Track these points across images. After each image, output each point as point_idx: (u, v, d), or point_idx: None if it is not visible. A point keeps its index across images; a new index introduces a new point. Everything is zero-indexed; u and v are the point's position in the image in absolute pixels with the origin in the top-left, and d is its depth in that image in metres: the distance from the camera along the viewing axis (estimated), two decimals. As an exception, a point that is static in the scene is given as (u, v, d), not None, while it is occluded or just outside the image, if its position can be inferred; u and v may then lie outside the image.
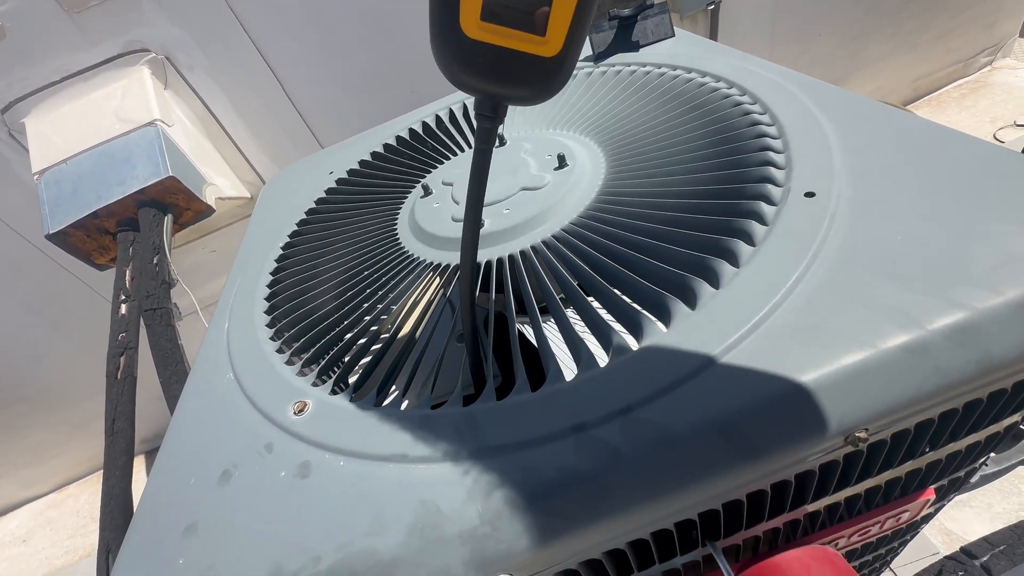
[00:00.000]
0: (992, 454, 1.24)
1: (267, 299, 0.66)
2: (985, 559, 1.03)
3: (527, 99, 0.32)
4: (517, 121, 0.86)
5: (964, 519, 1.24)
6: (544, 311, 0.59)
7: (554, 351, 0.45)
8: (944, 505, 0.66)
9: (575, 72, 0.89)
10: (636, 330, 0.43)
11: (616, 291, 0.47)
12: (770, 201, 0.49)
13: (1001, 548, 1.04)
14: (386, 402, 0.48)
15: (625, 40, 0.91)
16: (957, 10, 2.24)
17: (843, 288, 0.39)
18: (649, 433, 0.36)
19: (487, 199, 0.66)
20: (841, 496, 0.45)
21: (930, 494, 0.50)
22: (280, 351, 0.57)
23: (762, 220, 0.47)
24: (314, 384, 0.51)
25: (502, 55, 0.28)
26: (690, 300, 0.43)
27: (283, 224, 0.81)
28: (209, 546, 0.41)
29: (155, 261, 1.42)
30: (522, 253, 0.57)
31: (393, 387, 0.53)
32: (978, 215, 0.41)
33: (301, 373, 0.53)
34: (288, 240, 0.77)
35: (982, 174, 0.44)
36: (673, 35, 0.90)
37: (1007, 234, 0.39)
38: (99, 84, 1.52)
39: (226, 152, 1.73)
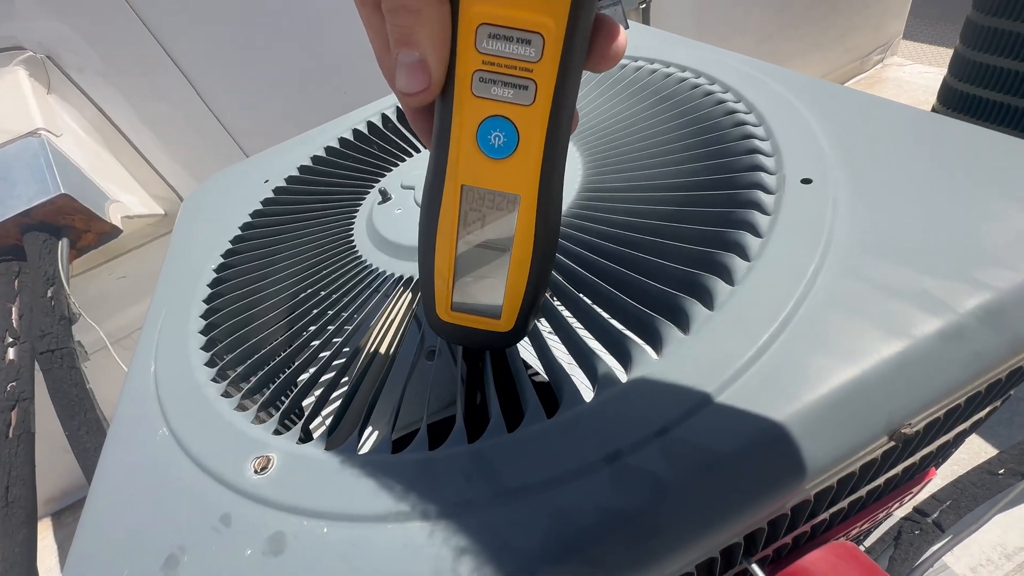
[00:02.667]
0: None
1: (203, 332, 0.55)
2: (935, 516, 1.11)
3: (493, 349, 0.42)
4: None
5: (908, 479, 1.34)
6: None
7: (565, 367, 0.40)
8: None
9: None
10: (654, 339, 0.39)
11: (622, 295, 0.43)
12: (767, 189, 0.47)
13: (947, 503, 1.12)
14: (369, 445, 0.41)
15: (579, 32, 0.88)
16: (853, 11, 2.45)
17: (865, 277, 0.38)
18: (695, 456, 0.32)
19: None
20: (864, 490, 0.44)
21: (933, 474, 0.50)
22: (227, 394, 0.48)
23: (763, 210, 0.45)
24: (276, 432, 0.42)
25: (468, 331, 0.38)
26: (707, 301, 0.40)
27: (214, 242, 0.70)
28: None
29: (49, 294, 1.21)
30: (506, 259, 0.52)
31: (372, 427, 0.46)
32: (976, 193, 0.41)
33: (257, 420, 0.44)
34: (223, 260, 0.66)
35: (969, 153, 0.44)
36: (627, 27, 0.88)
37: (1010, 211, 0.39)
38: (-41, 88, 1.27)
39: (132, 164, 1.52)
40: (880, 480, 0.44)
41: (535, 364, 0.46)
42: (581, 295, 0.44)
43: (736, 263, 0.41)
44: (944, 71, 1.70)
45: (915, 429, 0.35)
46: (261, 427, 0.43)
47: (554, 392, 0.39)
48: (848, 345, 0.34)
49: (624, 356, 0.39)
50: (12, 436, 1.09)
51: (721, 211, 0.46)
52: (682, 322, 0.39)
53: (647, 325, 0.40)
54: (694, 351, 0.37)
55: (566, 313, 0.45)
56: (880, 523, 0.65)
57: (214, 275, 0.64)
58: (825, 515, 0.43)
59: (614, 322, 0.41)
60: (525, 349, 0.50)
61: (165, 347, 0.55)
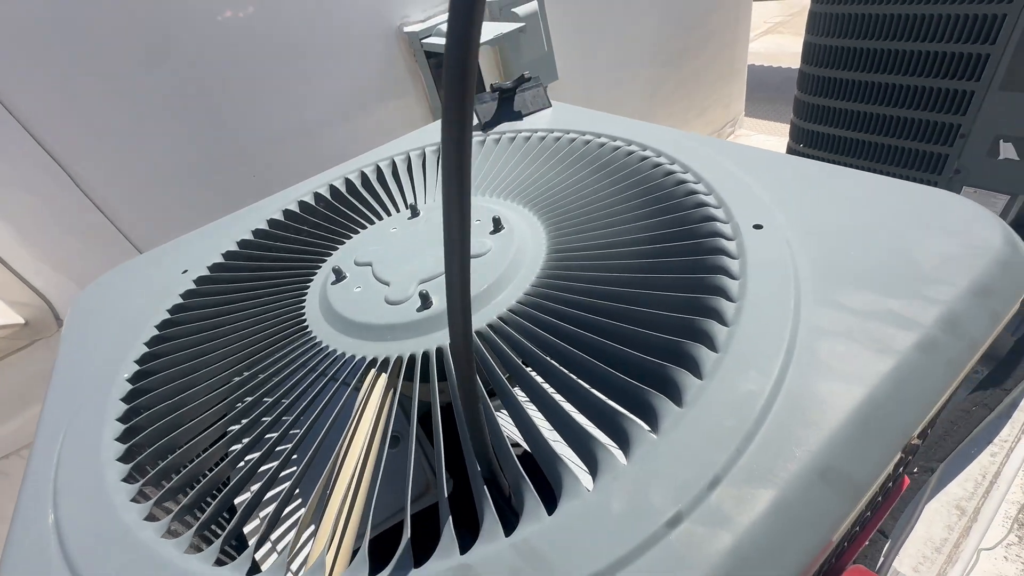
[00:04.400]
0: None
1: (123, 459, 0.44)
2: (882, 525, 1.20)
3: None
4: (419, 191, 0.79)
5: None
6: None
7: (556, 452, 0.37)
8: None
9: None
10: (668, 393, 0.39)
11: (631, 350, 0.43)
12: (726, 236, 0.51)
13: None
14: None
15: (508, 111, 0.94)
16: (704, 94, 2.96)
17: (839, 304, 0.41)
18: (754, 503, 0.31)
19: (424, 274, 0.57)
20: (870, 507, 0.45)
21: (907, 481, 0.54)
22: (151, 518, 0.38)
23: (730, 254, 0.49)
24: (217, 563, 0.34)
25: None
26: (710, 344, 0.41)
27: (122, 346, 0.59)
28: None
29: None
30: (489, 326, 0.50)
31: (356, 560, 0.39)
32: (893, 226, 0.48)
33: (192, 548, 0.35)
34: (138, 368, 0.55)
35: (876, 194, 0.52)
36: (550, 105, 0.96)
37: (926, 238, 0.46)
38: None
39: (-15, 271, 1.27)
40: (880, 494, 0.46)
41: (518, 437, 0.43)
42: (572, 375, 0.43)
43: (724, 305, 0.43)
44: (782, 139, 2.07)
45: (918, 438, 0.37)
46: (196, 557, 0.34)
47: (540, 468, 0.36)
48: (850, 368, 0.36)
49: (622, 437, 0.37)
50: None
51: (693, 258, 0.49)
52: (673, 395, 0.39)
53: (658, 377, 0.39)
54: (709, 400, 0.37)
55: (551, 390, 0.43)
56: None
57: (129, 384, 0.53)
58: (847, 536, 0.43)
59: (607, 400, 0.40)
60: (507, 425, 0.47)
61: (68, 485, 0.43)
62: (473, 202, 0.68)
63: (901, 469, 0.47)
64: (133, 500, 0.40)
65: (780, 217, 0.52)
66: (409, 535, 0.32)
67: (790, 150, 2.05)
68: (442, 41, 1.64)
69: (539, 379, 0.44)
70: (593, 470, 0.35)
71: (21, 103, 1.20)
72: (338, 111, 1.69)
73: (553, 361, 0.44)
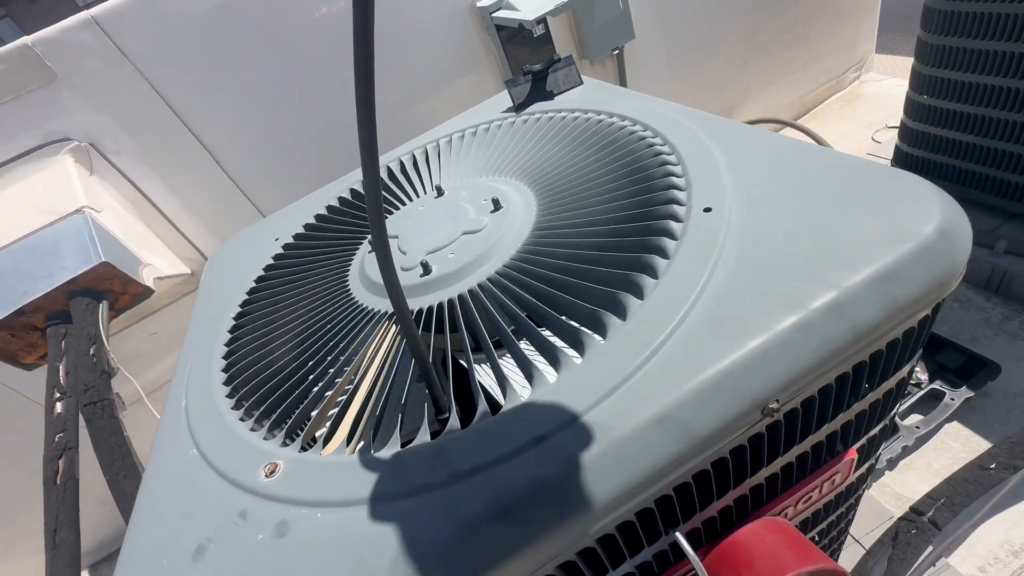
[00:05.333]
0: (920, 416, 1.35)
1: (224, 370, 0.66)
2: (931, 514, 1.13)
3: None
4: (453, 171, 0.92)
5: (911, 481, 1.35)
6: (497, 344, 0.63)
7: (509, 377, 0.49)
8: (875, 464, 0.73)
9: (499, 123, 0.98)
10: (578, 346, 0.48)
11: (557, 314, 0.53)
12: (677, 219, 0.57)
13: (942, 501, 1.14)
14: (356, 450, 0.50)
15: (540, 91, 1.01)
16: (823, 38, 2.59)
17: (742, 284, 0.46)
18: (599, 435, 0.40)
19: (433, 246, 0.71)
20: (776, 466, 0.51)
21: (852, 454, 0.57)
22: (243, 419, 0.58)
23: (673, 235, 0.55)
24: (283, 444, 0.52)
25: None
26: (621, 313, 0.49)
27: (232, 295, 0.82)
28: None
29: (92, 352, 1.34)
30: (471, 292, 0.62)
31: (360, 436, 0.55)
32: (836, 208, 0.50)
33: (268, 436, 0.54)
34: (239, 310, 0.78)
35: (836, 178, 0.54)
36: (582, 83, 1.01)
37: (862, 222, 0.47)
38: (16, 178, 1.46)
39: (161, 231, 1.69)
40: (790, 456, 0.51)
41: (488, 374, 0.55)
42: (524, 315, 0.54)
43: (646, 281, 0.51)
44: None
45: (787, 405, 0.43)
46: (271, 441, 0.53)
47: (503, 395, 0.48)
48: (722, 342, 0.43)
49: (555, 362, 0.48)
50: (60, 483, 1.20)
51: (639, 239, 0.56)
52: (601, 330, 0.48)
53: (574, 334, 0.49)
54: (609, 352, 0.46)
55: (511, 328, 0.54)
56: (831, 507, 0.69)
57: (233, 322, 0.75)
58: (743, 489, 0.50)
59: (548, 334, 0.50)
60: (484, 371, 0.59)
61: (194, 386, 0.66)
62: (484, 182, 0.79)
63: (808, 437, 0.51)
64: (230, 402, 0.61)
65: (733, 199, 0.56)
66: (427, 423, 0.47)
67: (909, 102, 1.79)
68: (511, 14, 1.70)
69: (505, 326, 0.56)
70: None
71: (179, 102, 1.54)
72: (418, 88, 1.86)
73: (515, 307, 0.55)
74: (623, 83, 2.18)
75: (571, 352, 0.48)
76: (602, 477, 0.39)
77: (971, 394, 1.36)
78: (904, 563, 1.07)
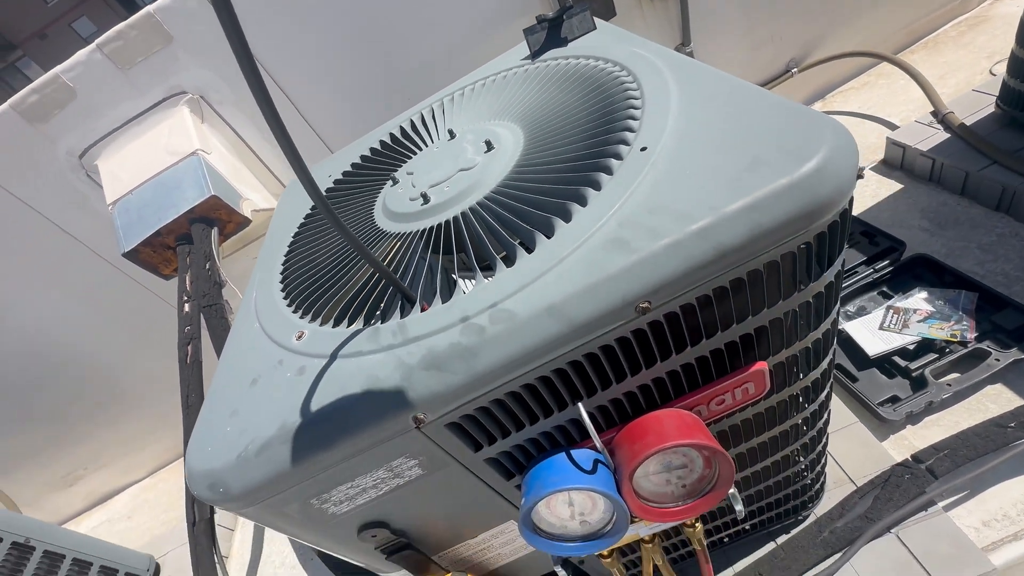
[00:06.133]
0: (956, 374, 1.31)
1: (281, 272, 0.89)
2: (930, 463, 1.13)
3: None
4: (466, 117, 1.04)
5: (932, 437, 1.31)
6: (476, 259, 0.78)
7: (461, 281, 0.64)
8: (818, 395, 0.79)
9: (514, 71, 1.07)
10: (511, 257, 0.62)
11: (504, 233, 0.66)
12: (618, 157, 0.66)
13: (944, 452, 1.13)
14: (352, 326, 0.69)
15: (555, 38, 1.07)
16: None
17: (641, 213, 0.56)
18: (504, 317, 0.55)
19: (435, 181, 0.85)
20: (676, 364, 0.62)
21: (762, 366, 0.65)
22: (288, 304, 0.79)
23: (608, 171, 0.64)
24: (310, 321, 0.73)
25: None
26: (550, 232, 0.61)
27: (294, 220, 1.04)
28: (243, 419, 0.63)
29: (207, 267, 1.70)
30: (454, 218, 0.76)
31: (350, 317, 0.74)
32: (740, 147, 0.56)
33: (301, 315, 0.75)
34: (296, 231, 1.00)
35: (753, 118, 0.59)
36: (595, 28, 1.06)
37: (755, 158, 0.54)
38: (150, 126, 1.82)
39: (256, 170, 2.01)
40: (688, 356, 0.61)
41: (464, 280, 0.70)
42: (486, 235, 0.68)
43: (576, 208, 0.62)
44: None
45: (661, 308, 0.54)
46: (303, 320, 0.74)
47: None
48: (609, 256, 0.54)
49: (492, 268, 0.62)
50: (189, 363, 1.60)
51: (584, 175, 0.66)
52: (531, 246, 0.61)
53: (512, 249, 0.62)
54: (530, 261, 0.59)
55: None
56: (768, 420, 0.76)
57: (291, 238, 0.97)
58: (644, 379, 0.62)
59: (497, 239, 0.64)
60: (463, 279, 0.75)
61: (260, 284, 0.89)
62: (486, 126, 0.92)
63: (701, 342, 0.61)
64: (282, 293, 0.83)
65: (668, 141, 0.63)
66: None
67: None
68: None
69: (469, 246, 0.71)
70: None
71: (267, 58, 1.78)
72: (469, 37, 1.94)
73: (481, 230, 0.69)
74: (685, 16, 2.08)
75: (513, 258, 0.61)
76: (503, 345, 0.54)
77: (1021, 356, 1.28)
78: (890, 503, 1.10)
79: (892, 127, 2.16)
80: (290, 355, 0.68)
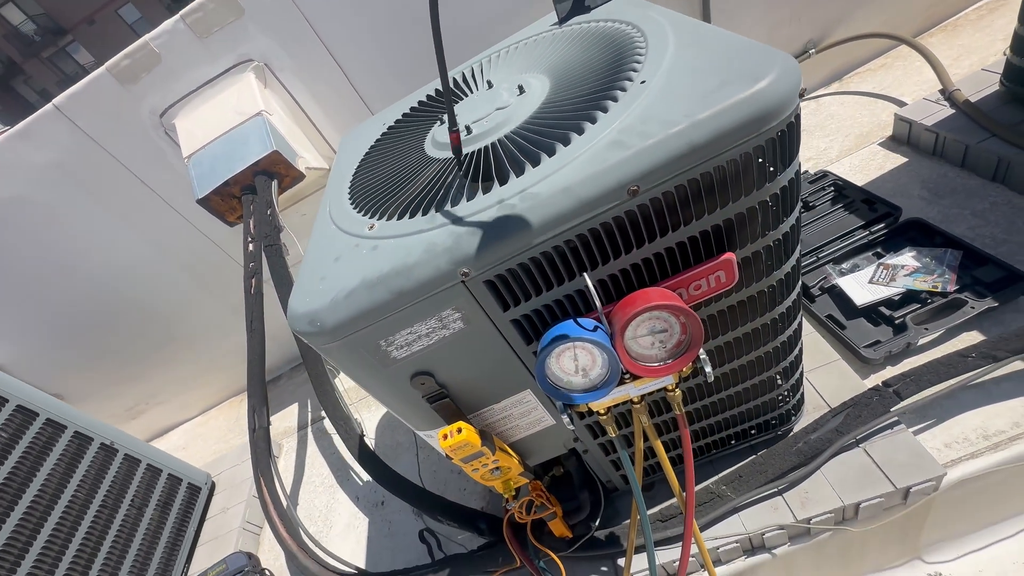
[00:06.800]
0: (927, 326, 1.44)
1: (349, 188, 1.10)
2: (897, 386, 1.28)
3: None
4: (504, 71, 1.24)
5: (909, 376, 1.46)
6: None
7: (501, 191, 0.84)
8: (790, 293, 0.96)
9: (544, 34, 1.25)
10: (536, 161, 0.81)
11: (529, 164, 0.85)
12: (623, 89, 0.84)
13: (911, 377, 1.28)
14: (413, 218, 0.89)
15: (580, 6, 1.25)
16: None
17: (636, 124, 0.75)
18: (531, 196, 0.74)
19: (477, 117, 1.05)
20: (660, 246, 0.80)
21: (730, 256, 0.83)
22: (358, 211, 1.00)
23: (615, 99, 0.83)
24: (377, 219, 0.94)
25: None
26: (567, 142, 0.80)
27: (359, 150, 1.26)
28: (331, 280, 0.85)
29: (269, 213, 1.95)
30: (491, 144, 0.96)
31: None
32: (714, 74, 0.74)
33: (370, 216, 0.96)
34: (362, 157, 1.21)
35: (729, 54, 0.76)
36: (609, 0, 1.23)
37: (722, 81, 0.72)
38: (221, 89, 2.06)
39: (309, 132, 2.24)
40: (670, 241, 0.80)
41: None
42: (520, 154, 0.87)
43: (587, 126, 0.81)
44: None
45: (647, 193, 0.72)
46: (372, 218, 0.94)
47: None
48: (608, 154, 0.73)
49: (522, 169, 0.81)
50: (253, 292, 1.84)
51: (597, 101, 0.85)
52: (552, 153, 0.80)
53: (536, 157, 0.82)
54: (551, 163, 0.78)
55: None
56: (746, 313, 0.92)
57: (357, 164, 1.19)
58: (636, 258, 0.80)
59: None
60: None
61: (332, 198, 1.11)
62: (521, 76, 1.13)
63: (682, 227, 0.79)
64: (351, 202, 1.04)
65: (660, 77, 0.81)
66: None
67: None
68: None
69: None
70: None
71: (324, 30, 2.00)
72: (509, 6, 2.11)
73: (523, 141, 0.89)
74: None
75: (537, 161, 0.81)
76: (530, 216, 0.73)
77: (995, 304, 1.41)
78: (858, 420, 1.26)
79: (904, 106, 2.26)
80: (364, 240, 0.90)
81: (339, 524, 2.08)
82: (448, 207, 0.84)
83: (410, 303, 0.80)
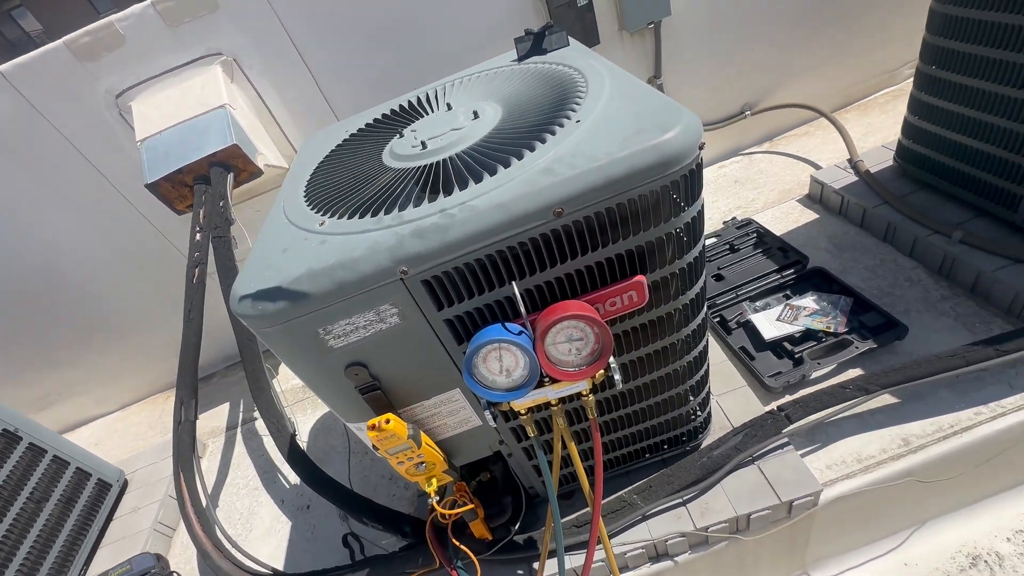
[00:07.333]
0: (827, 358, 1.63)
1: (305, 189, 1.16)
2: (788, 410, 1.45)
3: None
4: (465, 96, 1.34)
5: (803, 405, 1.65)
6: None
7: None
8: (693, 315, 1.10)
9: (504, 68, 1.38)
10: (480, 180, 0.91)
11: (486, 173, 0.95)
12: (561, 126, 0.96)
13: (799, 403, 1.45)
14: (363, 218, 0.96)
15: (538, 47, 1.39)
16: (876, 28, 2.65)
17: (564, 156, 0.86)
18: (469, 208, 0.84)
19: (433, 135, 1.14)
20: (580, 264, 0.91)
21: (641, 278, 0.95)
22: (311, 208, 1.06)
23: (553, 133, 0.95)
24: (329, 216, 1.00)
25: None
26: (508, 165, 0.91)
27: (321, 152, 1.32)
28: (277, 269, 0.90)
29: (221, 205, 1.94)
30: (444, 160, 1.05)
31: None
32: (629, 122, 0.87)
33: (322, 214, 1.02)
34: (322, 159, 1.27)
35: (646, 106, 0.90)
36: (568, 44, 1.38)
37: (637, 130, 0.85)
38: (185, 78, 2.06)
39: (272, 131, 2.26)
40: (588, 259, 0.91)
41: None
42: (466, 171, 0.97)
43: (526, 154, 0.92)
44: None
45: (571, 215, 0.83)
46: (323, 215, 1.01)
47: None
48: (537, 180, 0.84)
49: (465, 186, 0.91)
50: (195, 281, 1.82)
51: (537, 135, 0.96)
52: (493, 173, 0.90)
53: (479, 175, 0.92)
54: (488, 183, 0.88)
55: None
56: (659, 330, 1.05)
57: (316, 166, 1.25)
58: (559, 272, 0.91)
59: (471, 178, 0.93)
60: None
61: (287, 196, 1.16)
62: (477, 103, 1.24)
63: (596, 249, 0.90)
64: (306, 200, 1.10)
65: (594, 117, 0.94)
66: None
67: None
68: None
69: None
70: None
71: (297, 34, 2.06)
72: (479, 40, 2.25)
73: (470, 160, 0.98)
74: (658, 54, 2.45)
75: (480, 179, 0.90)
76: (467, 226, 0.83)
77: (875, 346, 1.62)
78: (754, 439, 1.41)
79: (819, 169, 2.56)
80: (314, 235, 0.96)
81: (260, 527, 2.03)
82: (396, 211, 0.92)
83: (351, 295, 0.86)
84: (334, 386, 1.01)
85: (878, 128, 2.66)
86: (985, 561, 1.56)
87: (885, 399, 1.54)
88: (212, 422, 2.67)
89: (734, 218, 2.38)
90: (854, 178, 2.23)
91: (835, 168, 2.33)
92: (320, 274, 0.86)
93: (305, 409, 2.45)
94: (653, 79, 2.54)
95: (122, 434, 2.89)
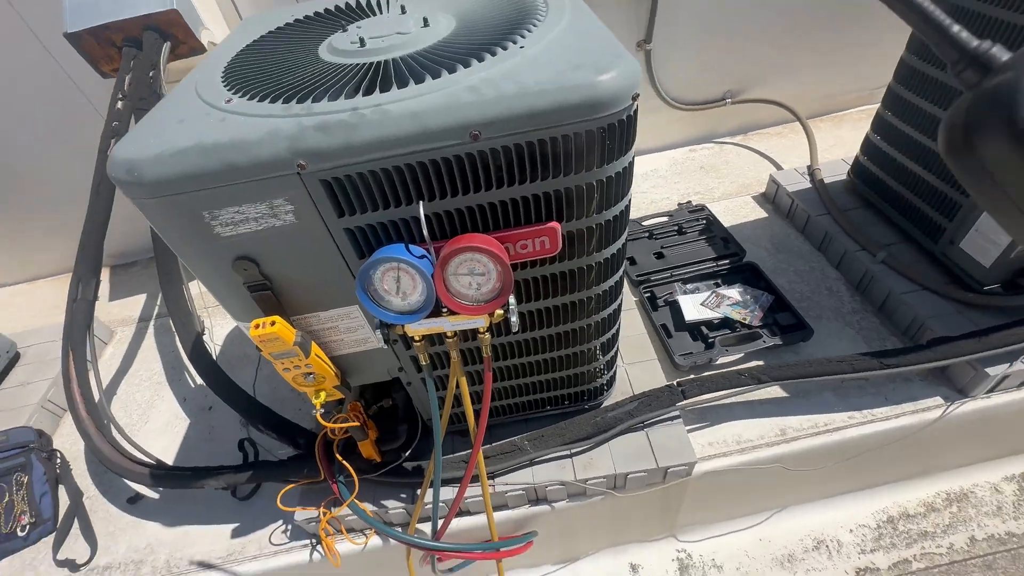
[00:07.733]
0: (737, 346, 1.70)
1: (226, 65, 1.05)
2: (684, 387, 1.52)
3: None
4: (420, 3, 1.24)
5: (704, 386, 1.74)
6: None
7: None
8: (611, 274, 1.10)
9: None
10: (406, 84, 0.85)
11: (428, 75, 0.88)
12: (505, 48, 0.90)
13: (695, 382, 1.53)
14: (275, 103, 0.88)
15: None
16: (868, 43, 2.64)
17: (508, 75, 0.81)
18: (382, 111, 0.78)
19: (376, 35, 1.05)
20: (495, 197, 0.88)
21: (556, 225, 0.93)
22: (225, 84, 0.97)
23: (493, 54, 0.89)
24: (240, 96, 0.91)
25: None
26: (437, 76, 0.85)
27: (255, 33, 1.20)
28: (165, 138, 0.82)
29: (151, 75, 1.76)
30: (377, 62, 0.97)
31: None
32: (576, 53, 0.83)
33: (234, 92, 0.93)
34: (252, 41, 1.16)
35: (593, 39, 0.86)
36: None
37: (577, 63, 0.81)
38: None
39: (226, 10, 2.05)
40: (503, 195, 0.88)
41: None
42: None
43: (475, 64, 0.86)
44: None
45: (488, 142, 0.79)
46: (235, 94, 0.92)
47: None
48: (467, 95, 0.79)
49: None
50: (110, 152, 1.67)
51: (488, 48, 0.90)
52: (419, 82, 0.84)
53: (421, 78, 0.85)
54: (428, 86, 0.82)
55: None
56: (575, 281, 1.06)
57: (243, 45, 1.13)
58: (470, 202, 0.88)
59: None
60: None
61: (205, 71, 1.05)
62: (431, 12, 1.13)
63: (513, 183, 0.88)
64: (223, 80, 0.99)
65: (541, 45, 0.88)
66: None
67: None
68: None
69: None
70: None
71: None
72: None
73: (403, 66, 0.91)
74: (652, 18, 2.35)
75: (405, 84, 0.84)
76: (374, 128, 0.77)
77: (780, 343, 1.71)
78: (648, 408, 1.47)
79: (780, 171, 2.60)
80: (216, 111, 0.87)
81: (158, 421, 1.99)
82: (309, 103, 0.84)
83: (241, 180, 0.80)
84: (221, 278, 0.96)
85: (846, 142, 2.71)
86: (827, 546, 1.74)
87: (775, 391, 1.63)
88: (125, 311, 2.54)
89: (689, 202, 2.39)
90: (808, 185, 2.27)
91: (794, 172, 2.37)
92: (209, 150, 0.79)
93: (224, 314, 2.36)
94: (643, 43, 2.46)
95: (23, 308, 2.71)
